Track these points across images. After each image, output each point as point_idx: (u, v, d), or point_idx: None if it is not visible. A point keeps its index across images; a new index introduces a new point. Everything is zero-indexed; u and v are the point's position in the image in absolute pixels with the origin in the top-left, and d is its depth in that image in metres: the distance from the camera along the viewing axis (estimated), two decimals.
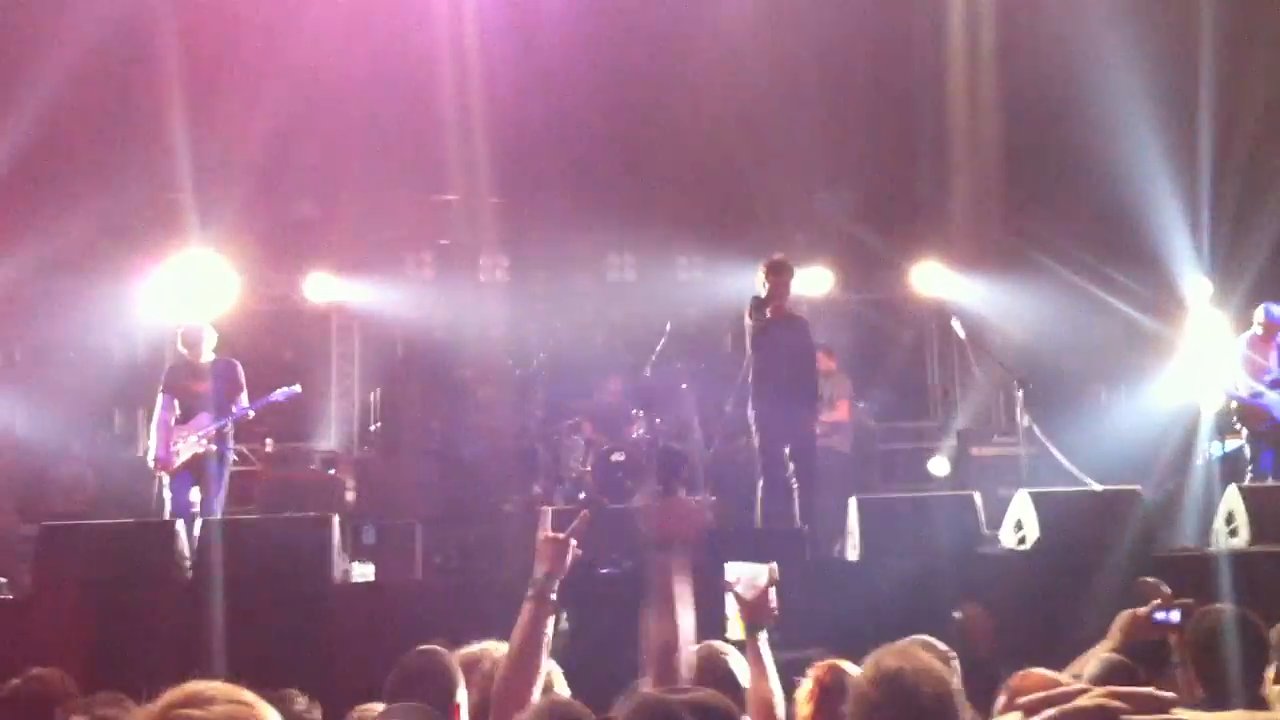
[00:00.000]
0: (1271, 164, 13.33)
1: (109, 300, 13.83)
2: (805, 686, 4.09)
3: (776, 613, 3.94)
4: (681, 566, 3.28)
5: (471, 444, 14.32)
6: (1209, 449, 11.80)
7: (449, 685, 3.92)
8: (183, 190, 13.42)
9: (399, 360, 16.04)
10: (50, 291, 13.75)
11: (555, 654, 3.75)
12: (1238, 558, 8.24)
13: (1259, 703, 4.39)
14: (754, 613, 3.89)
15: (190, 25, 11.78)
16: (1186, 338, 13.08)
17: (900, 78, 13.66)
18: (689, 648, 3.38)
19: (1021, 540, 8.74)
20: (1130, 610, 5.16)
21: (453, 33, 12.71)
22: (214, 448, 10.10)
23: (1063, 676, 3.72)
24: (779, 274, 9.78)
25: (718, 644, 4.05)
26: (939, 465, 13.51)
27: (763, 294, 9.76)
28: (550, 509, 3.53)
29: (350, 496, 12.36)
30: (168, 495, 10.09)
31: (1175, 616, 4.97)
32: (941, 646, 4.00)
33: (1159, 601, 5.14)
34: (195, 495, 9.96)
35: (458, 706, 3.91)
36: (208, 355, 10.36)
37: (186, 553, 8.37)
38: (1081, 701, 1.56)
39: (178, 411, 10.14)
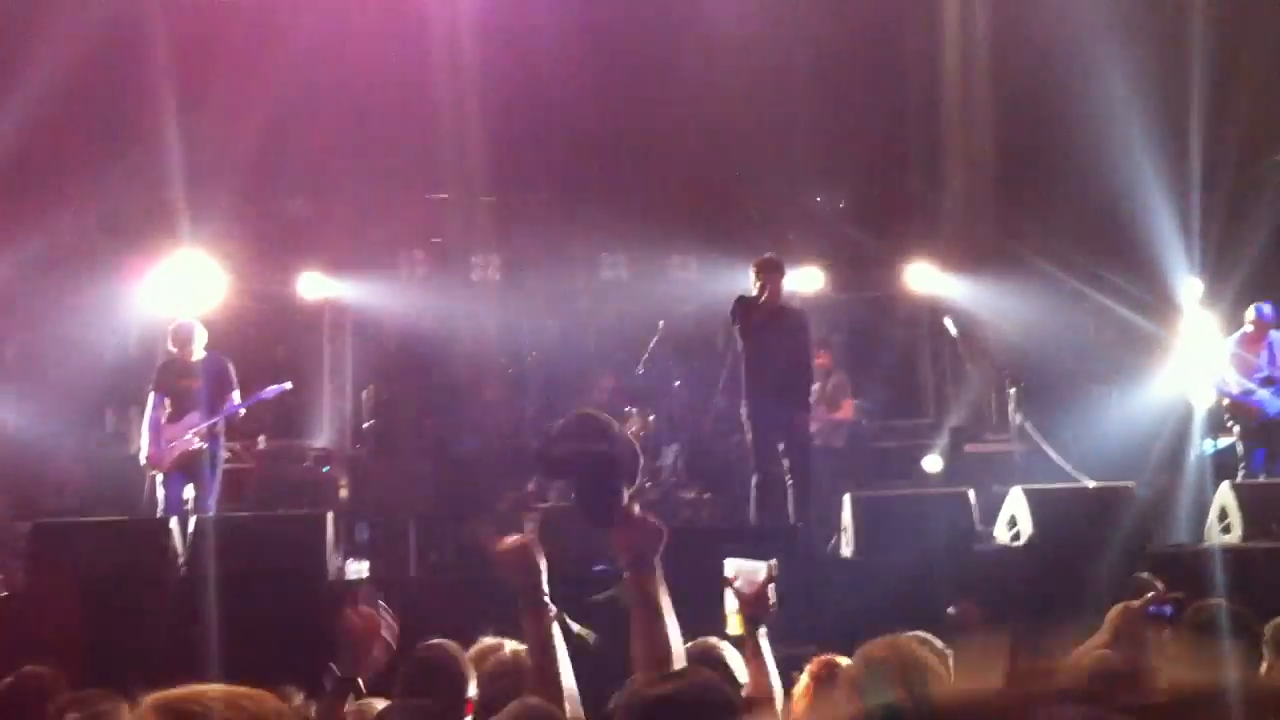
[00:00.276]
0: (1262, 164, 13.36)
1: (101, 298, 13.80)
2: (801, 682, 4.10)
3: (775, 607, 3.93)
4: (653, 581, 3.14)
5: (465, 441, 14.31)
6: (1201, 446, 11.82)
7: (462, 680, 3.91)
8: (175, 189, 13.39)
9: (392, 358, 16.02)
10: (42, 290, 13.72)
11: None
12: (1231, 554, 8.26)
13: None
14: (753, 608, 3.87)
15: (182, 24, 11.77)
16: (1178, 336, 13.10)
17: (893, 77, 13.69)
18: (680, 659, 3.27)
19: (1015, 537, 8.77)
20: (1122, 604, 5.18)
21: (445, 31, 12.72)
22: (205, 445, 10.09)
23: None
24: (770, 272, 9.78)
25: (713, 639, 4.03)
26: (932, 463, 13.50)
27: (755, 292, 9.75)
28: (536, 514, 3.47)
29: (343, 494, 12.36)
30: (160, 493, 10.09)
31: (1169, 611, 4.98)
32: (938, 644, 4.00)
33: (1152, 596, 5.16)
34: (188, 492, 9.96)
35: (470, 702, 3.89)
36: (198, 353, 10.33)
37: (179, 550, 8.36)
38: None
39: (169, 409, 10.12)
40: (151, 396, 10.15)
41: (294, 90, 12.43)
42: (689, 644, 3.88)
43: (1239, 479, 10.27)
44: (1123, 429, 12.99)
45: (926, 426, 15.06)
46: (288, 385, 10.68)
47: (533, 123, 13.55)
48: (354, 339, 15.58)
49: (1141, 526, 8.70)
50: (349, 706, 3.94)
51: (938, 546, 8.36)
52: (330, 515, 8.84)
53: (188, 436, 9.99)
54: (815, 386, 11.43)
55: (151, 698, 1.72)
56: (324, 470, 12.69)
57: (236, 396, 10.36)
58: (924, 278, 14.90)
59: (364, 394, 14.44)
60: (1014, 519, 8.84)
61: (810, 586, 7.68)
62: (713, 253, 14.87)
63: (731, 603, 3.90)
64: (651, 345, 13.83)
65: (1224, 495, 9.11)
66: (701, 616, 3.73)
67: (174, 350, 10.35)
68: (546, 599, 3.25)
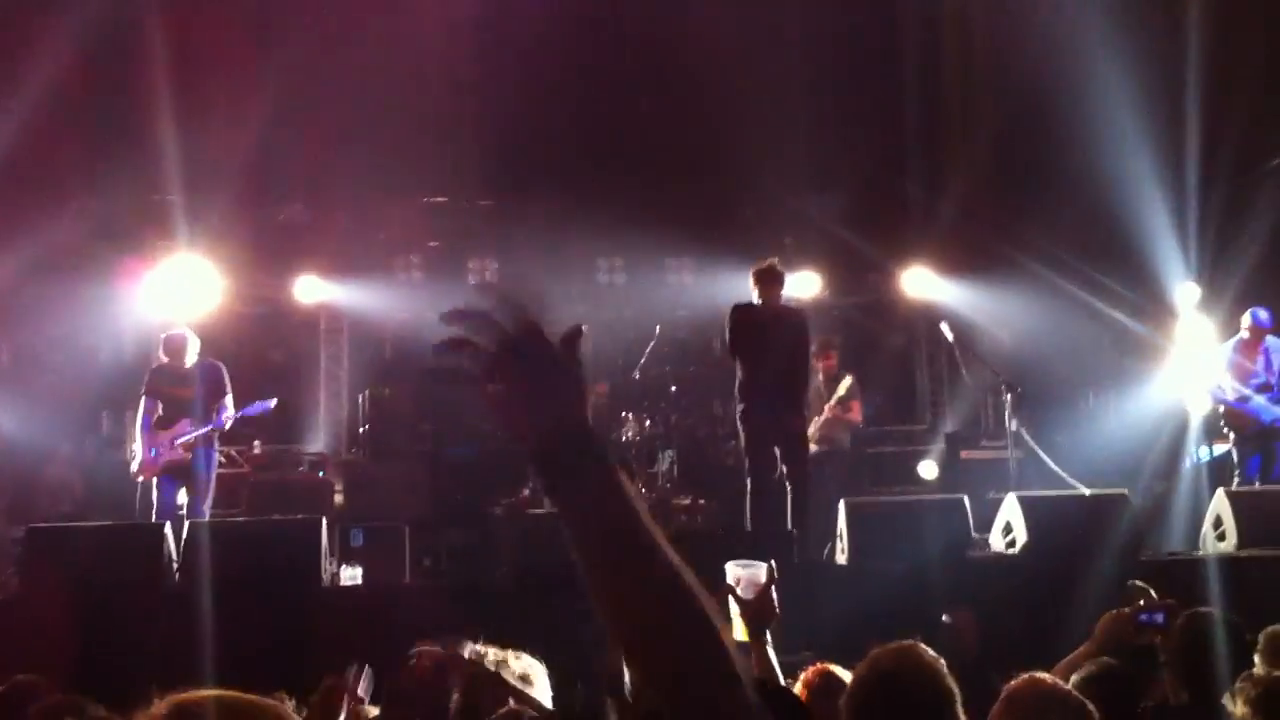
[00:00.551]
0: (1259, 169, 13.38)
1: (97, 302, 13.80)
2: (794, 690, 4.09)
3: (778, 610, 3.91)
4: None
5: (460, 447, 14.30)
6: (1196, 453, 11.83)
7: (446, 688, 3.93)
8: (171, 192, 13.41)
9: (388, 363, 16.02)
10: (38, 294, 13.71)
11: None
12: (1225, 562, 8.26)
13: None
14: (757, 613, 3.84)
15: (178, 27, 11.76)
16: (1174, 342, 13.12)
17: (889, 81, 13.69)
18: None
19: (1010, 544, 8.76)
20: (1112, 612, 5.18)
21: (442, 36, 12.72)
22: (198, 450, 10.07)
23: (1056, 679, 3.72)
24: (768, 281, 9.77)
25: None
26: (928, 469, 13.50)
27: (754, 299, 9.74)
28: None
29: (339, 499, 12.34)
30: (154, 497, 10.08)
31: (1160, 619, 4.98)
32: (930, 653, 3.99)
33: (1143, 603, 5.16)
34: (182, 497, 9.94)
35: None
36: (191, 360, 10.29)
37: (173, 555, 8.35)
38: None
39: (160, 413, 10.10)
40: (143, 401, 10.12)
41: (290, 94, 12.43)
42: None
43: (1234, 486, 10.28)
44: (1118, 436, 13.01)
45: (922, 432, 15.07)
46: (272, 403, 10.63)
47: (529, 127, 13.55)
48: (350, 343, 15.58)
49: (1136, 534, 8.70)
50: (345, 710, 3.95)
51: (933, 553, 8.35)
52: (325, 520, 8.83)
53: (180, 442, 9.97)
54: (817, 382, 11.42)
55: (167, 700, 1.72)
56: (319, 475, 12.68)
57: (229, 403, 10.32)
58: (920, 283, 14.93)
59: (360, 399, 14.43)
60: (1009, 526, 8.84)
61: (805, 593, 7.67)
62: (709, 257, 14.88)
63: (734, 608, 3.87)
64: (647, 350, 13.84)
65: (1219, 503, 9.10)
66: None
67: (165, 359, 10.30)
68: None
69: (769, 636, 3.84)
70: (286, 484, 12.41)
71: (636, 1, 12.99)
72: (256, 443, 13.78)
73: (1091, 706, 3.42)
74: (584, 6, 12.70)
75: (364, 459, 13.60)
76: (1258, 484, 10.45)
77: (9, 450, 13.21)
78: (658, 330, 13.99)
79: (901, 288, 15.19)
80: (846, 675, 3.70)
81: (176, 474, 10.06)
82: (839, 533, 8.88)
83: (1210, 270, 13.10)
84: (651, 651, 1.54)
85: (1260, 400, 10.69)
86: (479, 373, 1.64)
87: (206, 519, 9.74)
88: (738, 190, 15.26)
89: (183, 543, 8.43)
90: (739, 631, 3.84)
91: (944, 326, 11.83)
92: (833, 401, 11.98)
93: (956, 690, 3.28)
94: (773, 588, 3.86)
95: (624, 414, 13.63)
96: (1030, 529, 8.58)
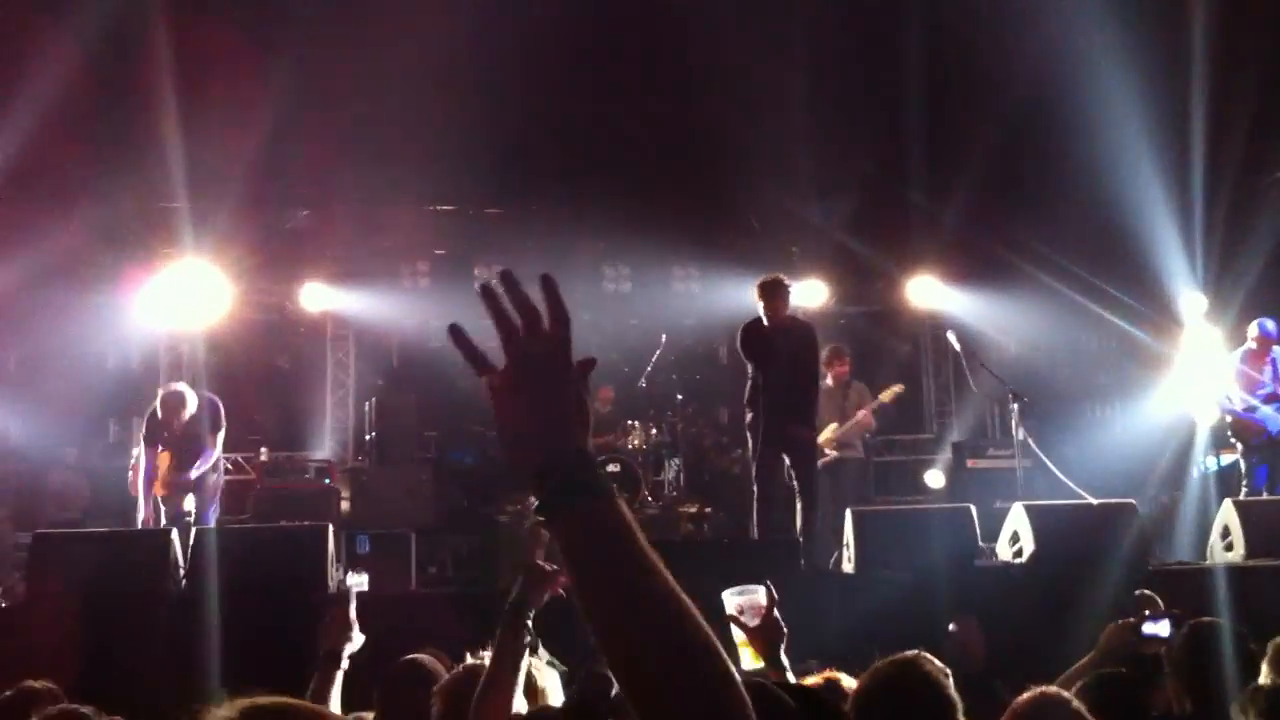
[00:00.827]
0: (1265, 179, 13.37)
1: (104, 309, 13.82)
2: None
3: (785, 630, 3.88)
4: None
5: (466, 454, 14.32)
6: (1203, 463, 11.82)
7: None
8: (177, 199, 13.41)
9: (394, 370, 16.04)
10: (45, 300, 13.74)
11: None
12: (1233, 572, 8.24)
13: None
14: (766, 637, 3.80)
15: (184, 34, 11.77)
16: (1181, 352, 13.10)
17: (895, 90, 13.68)
18: None
19: (1017, 553, 8.75)
20: (1117, 621, 5.18)
21: (448, 43, 12.72)
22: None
23: (1066, 693, 3.71)
24: (771, 294, 9.78)
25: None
26: (934, 478, 13.51)
27: (760, 312, 9.76)
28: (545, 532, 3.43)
29: (345, 506, 12.35)
30: (162, 506, 10.08)
31: (1164, 630, 4.97)
32: (937, 664, 3.99)
33: (1147, 613, 5.16)
34: (189, 504, 9.93)
35: None
36: (189, 415, 10.13)
37: (180, 562, 8.35)
38: None
39: (161, 459, 9.98)
40: (144, 451, 9.97)
41: (296, 101, 12.43)
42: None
43: (1241, 496, 10.27)
44: (1125, 445, 13.00)
45: (929, 442, 15.07)
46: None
47: (536, 135, 13.55)
48: (356, 350, 15.60)
49: (1143, 543, 8.69)
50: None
51: (939, 563, 8.34)
52: (331, 527, 8.83)
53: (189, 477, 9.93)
54: (827, 387, 11.40)
55: (241, 703, 1.74)
56: (325, 482, 12.68)
57: (220, 440, 10.25)
58: (926, 292, 14.93)
59: (366, 406, 14.44)
60: (1016, 535, 8.83)
61: (812, 602, 7.67)
62: (715, 266, 14.89)
63: (740, 636, 3.81)
64: (654, 358, 13.85)
65: (1226, 513, 9.09)
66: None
67: (161, 415, 10.14)
68: (529, 622, 3.37)
69: (784, 658, 3.82)
70: (293, 491, 12.42)
71: (643, 10, 12.97)
72: (263, 449, 13.79)
73: None
74: (591, 15, 12.69)
75: (370, 466, 13.60)
76: (1265, 494, 10.44)
77: (15, 456, 13.25)
78: (664, 338, 14.00)
79: (908, 297, 15.19)
80: (853, 683, 3.69)
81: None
82: (845, 541, 8.87)
83: (1216, 280, 13.10)
84: (648, 680, 1.53)
85: (1267, 410, 10.68)
86: (489, 383, 1.67)
87: (212, 525, 9.74)
88: (744, 199, 15.26)
89: (189, 549, 8.43)
90: (749, 659, 3.80)
91: (950, 336, 11.83)
92: (851, 408, 11.95)
93: (959, 701, 3.28)
94: (775, 607, 3.83)
95: (630, 422, 13.62)
96: (1037, 538, 8.57)
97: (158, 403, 10.00)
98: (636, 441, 13.45)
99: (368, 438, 14.16)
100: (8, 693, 4.67)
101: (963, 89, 13.37)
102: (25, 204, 12.73)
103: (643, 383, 13.99)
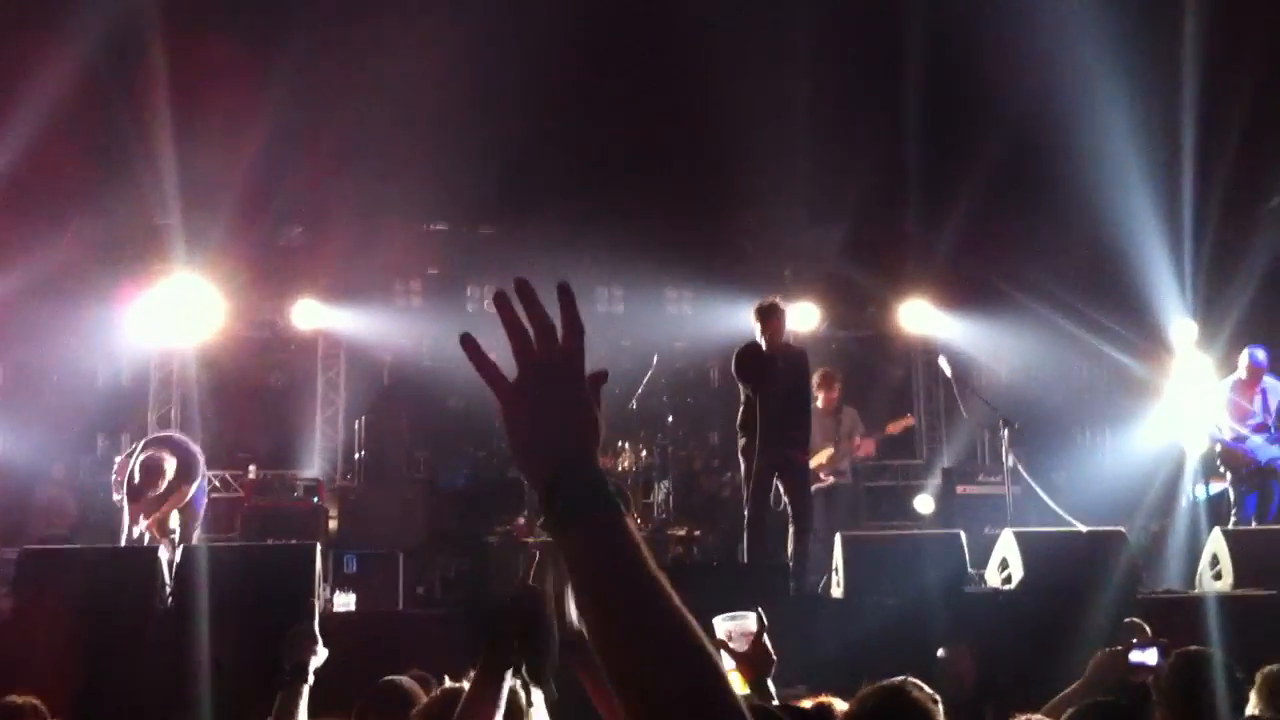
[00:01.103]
0: (1256, 209, 13.43)
1: (95, 324, 13.79)
2: None
3: (774, 657, 3.86)
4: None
5: (456, 474, 14.29)
6: (1193, 492, 11.83)
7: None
8: (171, 215, 13.41)
9: (385, 389, 16.01)
10: (37, 315, 13.70)
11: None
12: (1221, 601, 8.25)
13: None
14: (754, 664, 3.78)
15: (179, 51, 11.78)
16: (1171, 380, 13.13)
17: (889, 116, 13.73)
18: None
19: (1006, 580, 8.74)
20: (1104, 649, 5.18)
21: (443, 63, 12.74)
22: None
23: None
24: (769, 317, 9.78)
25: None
26: (924, 503, 13.51)
27: (757, 335, 9.76)
28: (539, 553, 3.39)
29: (333, 525, 12.31)
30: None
31: (1151, 658, 4.97)
32: (926, 690, 3.98)
33: (1135, 641, 5.15)
34: (174, 521, 9.87)
35: None
36: (169, 479, 9.89)
37: (167, 579, 8.32)
38: None
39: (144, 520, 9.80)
40: (127, 508, 9.74)
41: (290, 118, 12.45)
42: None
43: (1231, 525, 10.28)
44: (1115, 473, 13.02)
45: (919, 467, 15.08)
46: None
47: (531, 155, 13.57)
48: (347, 369, 15.56)
49: (1132, 571, 8.69)
50: None
51: (928, 589, 8.33)
52: (319, 546, 8.80)
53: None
54: (817, 406, 11.39)
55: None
56: (314, 501, 12.65)
57: (194, 486, 10.03)
58: (918, 317, 14.95)
59: (356, 424, 14.42)
60: (1005, 561, 8.83)
61: (801, 627, 7.65)
62: (708, 288, 14.91)
63: (729, 662, 3.80)
64: (645, 380, 13.83)
65: (1215, 541, 9.10)
66: None
67: (140, 479, 9.74)
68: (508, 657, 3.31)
69: (770, 685, 3.81)
70: (281, 509, 12.38)
71: (639, 33, 13.02)
72: (251, 467, 13.76)
73: None
74: (586, 36, 12.73)
75: (359, 485, 13.57)
76: (1254, 523, 10.45)
77: (3, 471, 13.19)
78: (655, 360, 13.99)
79: (900, 321, 15.21)
80: (845, 708, 3.67)
81: None
82: (835, 566, 8.86)
83: (1206, 308, 13.13)
84: (649, 699, 1.52)
85: (1257, 440, 10.70)
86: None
87: (195, 543, 9.68)
88: (737, 222, 15.30)
89: (176, 567, 8.40)
90: (739, 685, 3.79)
91: (942, 361, 11.84)
92: (843, 433, 11.94)
93: None
94: (765, 635, 3.82)
95: (620, 444, 13.61)
96: (1027, 565, 8.56)
97: (136, 466, 9.68)
98: (626, 463, 13.44)
99: (357, 457, 14.13)
100: None
101: (957, 117, 13.44)
102: (19, 218, 12.73)
103: (633, 404, 13.97)
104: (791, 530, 9.52)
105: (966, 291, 14.74)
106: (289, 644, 3.96)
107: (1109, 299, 13.75)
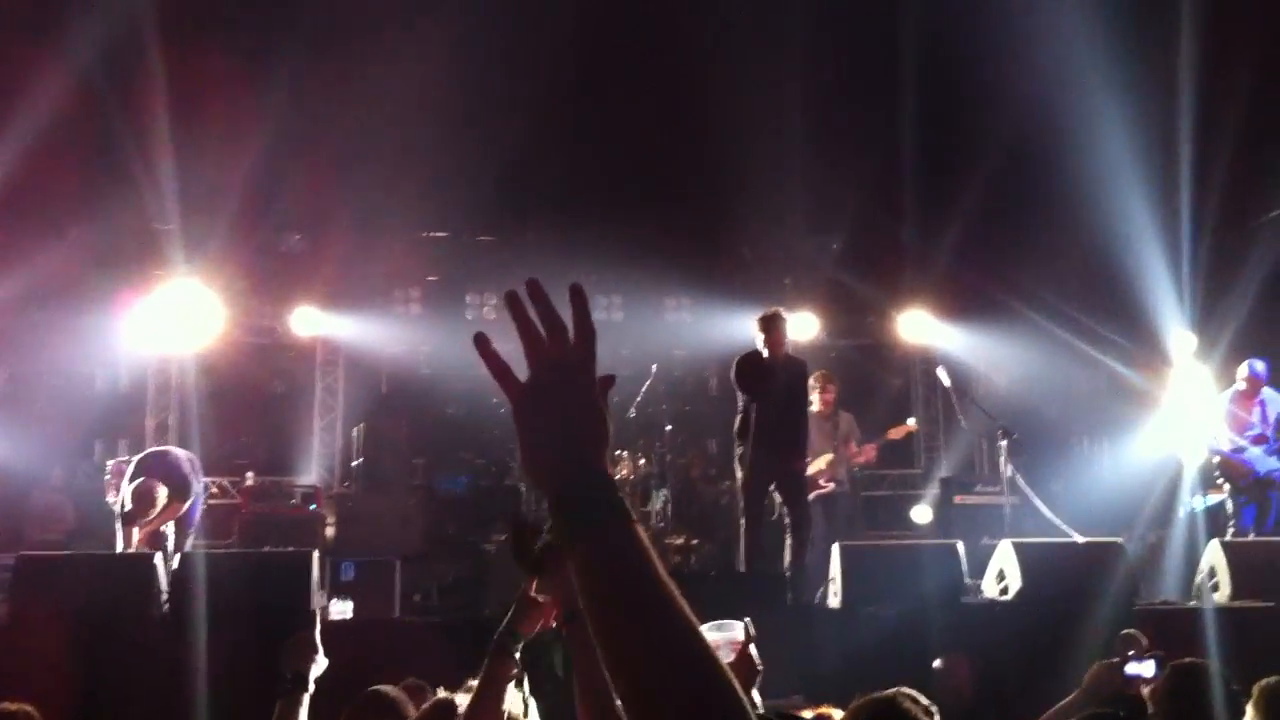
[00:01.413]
0: (1253, 221, 13.44)
1: (93, 330, 13.79)
2: None
3: (760, 667, 3.86)
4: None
5: (454, 481, 14.28)
6: (1191, 503, 11.82)
7: None
8: (169, 221, 13.42)
9: (383, 396, 16.01)
10: (35, 321, 13.72)
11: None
12: (1218, 612, 8.24)
13: None
14: (741, 675, 3.77)
15: (177, 58, 11.79)
16: (1169, 391, 13.13)
17: (887, 127, 13.74)
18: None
19: (1004, 590, 8.74)
20: (1101, 661, 5.18)
21: (443, 71, 12.76)
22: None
23: None
24: (772, 327, 9.79)
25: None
26: (922, 513, 13.50)
27: (759, 344, 9.76)
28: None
29: (330, 532, 12.30)
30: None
31: (1148, 670, 4.97)
32: (924, 700, 3.97)
33: (1132, 653, 5.15)
34: (170, 528, 9.84)
35: None
36: (161, 506, 9.83)
37: (164, 586, 8.30)
38: None
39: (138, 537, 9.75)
40: (120, 531, 9.69)
41: (290, 126, 12.47)
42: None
43: (1228, 536, 10.27)
44: (1113, 484, 13.00)
45: (916, 477, 15.08)
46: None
47: (530, 164, 13.58)
48: (345, 376, 15.57)
49: (1130, 582, 8.69)
50: None
51: (926, 599, 8.33)
52: (316, 554, 8.78)
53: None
54: (814, 409, 11.38)
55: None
56: (311, 508, 12.64)
57: (188, 504, 9.97)
58: (917, 327, 14.96)
59: (354, 431, 14.41)
60: (1003, 572, 8.82)
61: (798, 637, 7.65)
62: (707, 297, 14.92)
63: None
64: (643, 388, 13.82)
65: (1213, 553, 9.09)
66: None
67: (133, 506, 9.65)
68: (517, 654, 3.32)
69: (756, 696, 3.80)
70: (278, 516, 12.37)
71: (639, 42, 13.03)
72: (249, 474, 13.75)
73: None
74: (586, 45, 12.75)
75: (357, 492, 13.56)
76: (1252, 534, 10.44)
77: (1, 476, 13.18)
78: (654, 369, 13.98)
79: (899, 331, 15.22)
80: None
81: None
82: (832, 576, 8.85)
83: (1204, 319, 13.13)
84: (659, 702, 1.51)
85: (1256, 451, 10.70)
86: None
87: (190, 549, 9.65)
88: (737, 231, 15.31)
89: (173, 574, 8.38)
90: None
91: (940, 371, 11.83)
92: (840, 437, 11.91)
93: None
94: (752, 645, 3.81)
95: (618, 452, 13.59)
96: (1024, 575, 8.56)
97: (129, 493, 9.59)
98: (625, 471, 13.42)
99: (355, 463, 14.13)
100: None
101: (955, 127, 13.46)
102: (17, 225, 12.73)
103: (632, 412, 13.95)
104: (789, 540, 9.52)
105: (965, 301, 14.75)
106: (289, 652, 3.95)
107: (1107, 309, 13.76)
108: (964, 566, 8.76)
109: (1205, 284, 12.96)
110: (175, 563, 8.56)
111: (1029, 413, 13.61)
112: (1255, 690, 4.69)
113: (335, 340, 15.29)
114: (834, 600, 8.74)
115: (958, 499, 12.73)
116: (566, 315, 1.68)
